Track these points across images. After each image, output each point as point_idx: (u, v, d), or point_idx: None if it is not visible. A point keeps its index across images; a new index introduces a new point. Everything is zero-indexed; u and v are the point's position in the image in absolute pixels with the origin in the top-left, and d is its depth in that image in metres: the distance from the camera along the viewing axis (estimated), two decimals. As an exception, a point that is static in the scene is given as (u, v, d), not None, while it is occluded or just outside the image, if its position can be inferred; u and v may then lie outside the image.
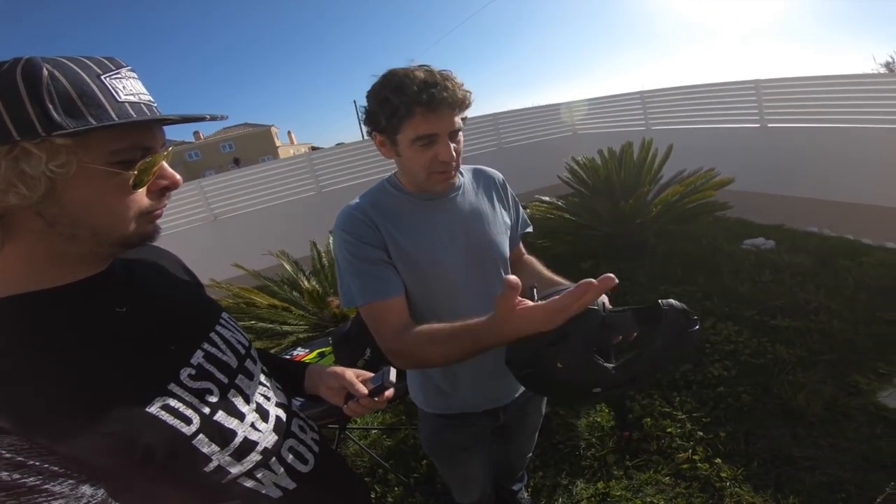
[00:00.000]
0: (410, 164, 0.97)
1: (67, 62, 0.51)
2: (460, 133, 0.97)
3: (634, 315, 0.82)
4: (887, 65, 8.57)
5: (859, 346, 2.34)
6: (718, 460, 1.83)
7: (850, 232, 3.67)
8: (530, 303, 0.72)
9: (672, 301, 0.81)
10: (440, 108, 0.89)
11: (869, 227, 3.67)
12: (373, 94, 0.94)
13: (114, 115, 0.52)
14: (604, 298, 0.88)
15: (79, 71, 0.51)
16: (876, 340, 2.36)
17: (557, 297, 0.70)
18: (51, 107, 0.48)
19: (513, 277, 0.71)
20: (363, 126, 1.01)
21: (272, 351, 2.76)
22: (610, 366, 0.79)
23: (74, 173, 0.52)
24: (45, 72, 0.49)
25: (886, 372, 2.13)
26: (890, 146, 3.98)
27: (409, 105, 0.88)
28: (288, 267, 3.57)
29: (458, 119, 0.94)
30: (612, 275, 0.65)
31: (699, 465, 1.84)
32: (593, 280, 0.65)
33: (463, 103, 0.92)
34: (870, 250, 3.34)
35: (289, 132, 46.93)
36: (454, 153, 0.95)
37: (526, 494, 1.79)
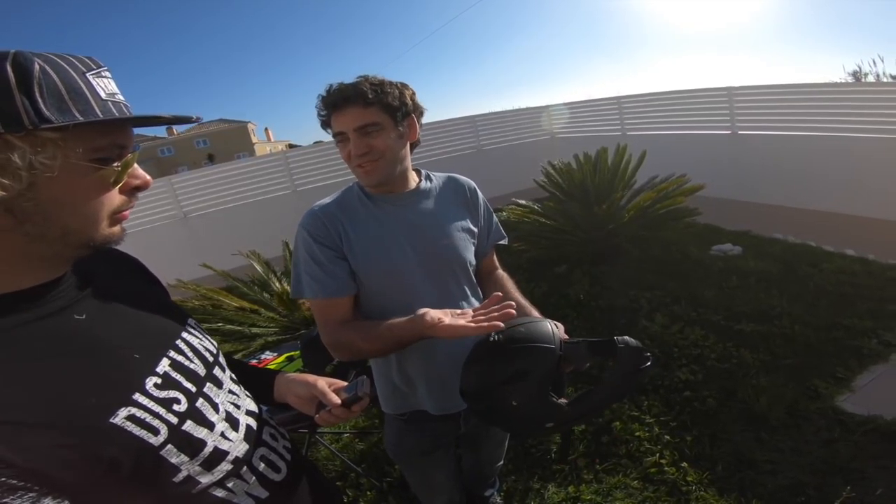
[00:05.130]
0: (344, 161, 1.06)
1: (56, 58, 0.52)
2: (383, 129, 1.01)
3: (588, 347, 0.84)
4: (854, 73, 8.90)
5: (819, 350, 2.42)
6: (685, 464, 1.86)
7: (812, 239, 3.80)
8: (447, 321, 0.88)
9: (627, 339, 0.85)
10: (343, 107, 0.99)
11: (830, 234, 3.81)
12: None
13: (99, 112, 0.53)
14: (560, 331, 0.93)
15: (67, 67, 0.52)
16: (835, 345, 2.44)
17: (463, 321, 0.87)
18: (40, 100, 0.49)
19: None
20: None
21: (240, 354, 2.68)
22: (563, 402, 0.82)
23: (58, 168, 0.51)
24: (37, 66, 0.49)
25: (844, 376, 2.21)
26: (852, 155, 4.15)
27: (324, 110, 1.02)
28: (259, 267, 3.48)
29: (369, 114, 0.99)
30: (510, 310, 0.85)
31: (666, 468, 1.86)
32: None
33: (363, 97, 0.97)
34: (831, 257, 3.47)
35: (266, 129, 46.16)
36: (365, 148, 1.01)
37: (498, 499, 1.79)
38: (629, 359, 0.82)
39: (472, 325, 0.85)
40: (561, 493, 1.86)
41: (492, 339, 0.86)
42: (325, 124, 1.05)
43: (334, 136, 1.04)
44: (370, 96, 0.98)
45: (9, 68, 0.48)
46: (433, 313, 0.88)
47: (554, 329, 0.91)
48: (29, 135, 0.49)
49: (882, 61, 8.44)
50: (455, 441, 1.35)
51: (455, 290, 1.15)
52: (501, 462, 1.62)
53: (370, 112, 0.99)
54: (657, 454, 1.93)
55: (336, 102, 0.99)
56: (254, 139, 40.24)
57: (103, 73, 0.56)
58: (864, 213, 4.04)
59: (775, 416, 2.02)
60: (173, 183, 5.70)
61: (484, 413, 0.92)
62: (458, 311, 0.92)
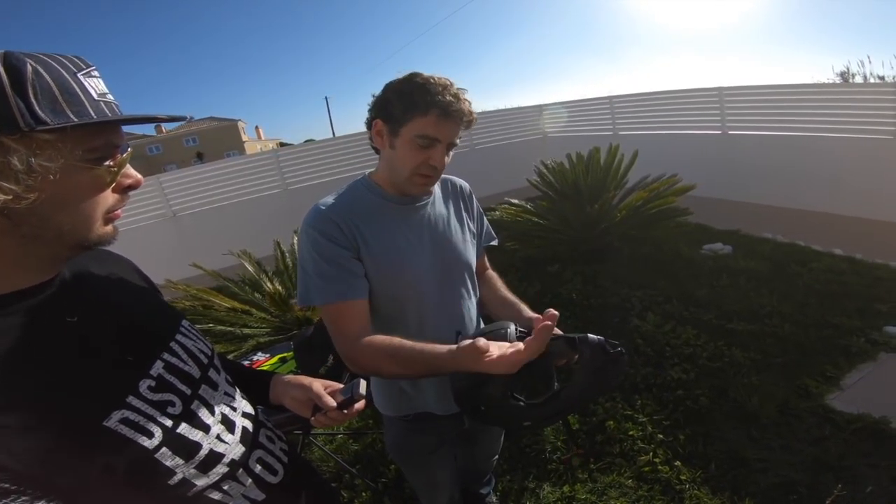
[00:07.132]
0: (401, 160, 0.99)
1: (47, 58, 0.51)
2: (452, 150, 1.01)
3: (566, 342, 0.82)
4: (842, 74, 9.03)
5: (809, 349, 2.45)
6: (678, 463, 1.88)
7: (801, 238, 3.85)
8: (495, 354, 0.77)
9: (589, 336, 0.82)
10: (452, 118, 0.94)
11: (819, 233, 3.86)
12: (394, 86, 0.97)
13: (92, 113, 0.53)
14: (511, 328, 0.90)
15: (58, 68, 0.52)
16: (824, 344, 2.47)
17: (512, 351, 0.76)
18: (34, 102, 0.48)
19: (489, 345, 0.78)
20: (370, 111, 1.03)
21: (231, 355, 2.66)
22: (523, 403, 0.82)
23: (57, 171, 0.51)
24: (30, 67, 0.49)
25: (833, 375, 2.24)
26: (840, 155, 4.21)
27: (428, 104, 0.92)
28: (250, 267, 3.45)
29: (459, 134, 0.99)
30: (548, 323, 0.74)
31: (660, 467, 1.87)
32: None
33: (470, 124, 0.99)
34: (819, 256, 3.51)
35: (256, 127, 45.69)
36: (444, 163, 0.99)
37: (494, 498, 1.78)
38: (592, 356, 0.80)
39: (523, 354, 0.75)
40: (556, 492, 1.86)
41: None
42: (405, 116, 0.95)
43: (420, 136, 0.95)
44: (473, 124, 1.00)
45: (1, 69, 0.47)
46: (477, 346, 0.76)
47: (513, 333, 0.87)
48: (24, 137, 0.48)
49: (870, 62, 8.58)
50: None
51: (461, 292, 1.15)
52: (497, 456, 1.62)
53: (460, 133, 1.00)
54: (651, 453, 1.94)
55: (448, 109, 0.93)
56: (244, 137, 39.86)
57: (93, 73, 0.56)
58: (851, 213, 4.09)
59: (766, 414, 2.04)
60: (162, 181, 5.62)
61: (470, 415, 0.93)
62: (507, 345, 0.81)
